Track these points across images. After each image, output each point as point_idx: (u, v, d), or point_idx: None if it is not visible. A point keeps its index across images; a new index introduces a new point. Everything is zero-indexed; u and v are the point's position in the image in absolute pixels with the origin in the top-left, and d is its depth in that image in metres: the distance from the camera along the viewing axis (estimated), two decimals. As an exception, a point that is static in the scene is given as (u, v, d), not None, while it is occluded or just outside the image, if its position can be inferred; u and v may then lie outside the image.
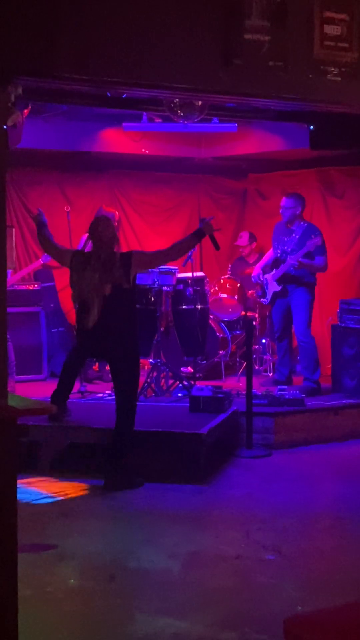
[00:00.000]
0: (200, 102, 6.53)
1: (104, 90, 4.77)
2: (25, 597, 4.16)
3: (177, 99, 6.44)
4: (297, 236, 8.32)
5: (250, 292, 9.40)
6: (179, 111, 6.59)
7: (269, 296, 8.64)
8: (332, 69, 3.80)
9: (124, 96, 6.75)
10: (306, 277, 8.33)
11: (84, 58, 3.49)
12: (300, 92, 3.87)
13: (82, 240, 8.59)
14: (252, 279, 9.02)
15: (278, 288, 8.48)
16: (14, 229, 9.10)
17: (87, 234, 8.32)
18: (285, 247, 8.37)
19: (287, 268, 8.32)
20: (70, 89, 4.02)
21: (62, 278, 8.83)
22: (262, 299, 8.83)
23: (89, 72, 3.51)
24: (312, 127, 6.84)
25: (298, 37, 3.83)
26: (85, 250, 6.26)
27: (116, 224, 8.99)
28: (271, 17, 3.68)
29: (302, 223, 8.39)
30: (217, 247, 6.61)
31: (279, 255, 8.49)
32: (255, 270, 8.97)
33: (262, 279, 8.75)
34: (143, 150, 9.32)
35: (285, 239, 8.42)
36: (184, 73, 3.63)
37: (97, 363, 8.80)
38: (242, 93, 3.81)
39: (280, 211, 8.52)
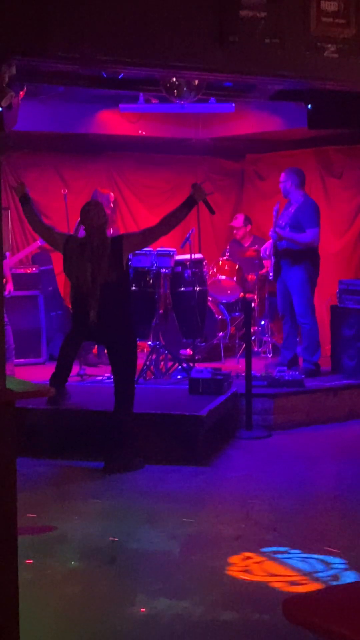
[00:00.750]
0: (196, 81, 6.47)
1: (98, 70, 4.73)
2: (26, 580, 4.17)
3: (173, 79, 6.38)
4: (292, 210, 8.27)
5: (249, 276, 9.37)
6: (175, 91, 6.53)
7: (271, 272, 8.62)
8: (329, 46, 3.76)
9: (120, 76, 6.70)
10: (300, 254, 8.22)
11: (77, 37, 3.45)
12: (297, 70, 3.83)
13: (77, 224, 8.57)
14: (262, 255, 8.96)
15: (273, 260, 8.45)
16: (9, 211, 9.05)
17: None
18: (280, 222, 8.34)
19: (273, 241, 8.33)
20: (64, 68, 3.96)
21: (60, 261, 8.74)
22: (270, 276, 8.82)
23: (82, 51, 3.47)
24: (309, 106, 6.78)
25: (294, 13, 3.78)
26: (79, 236, 6.20)
27: (112, 205, 8.96)
28: (267, -7, 3.64)
29: (299, 198, 8.32)
30: (212, 211, 6.42)
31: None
32: (262, 250, 8.91)
33: (267, 257, 8.70)
34: (140, 131, 9.26)
35: (284, 213, 8.39)
36: (178, 51, 3.59)
37: (96, 347, 8.78)
38: (237, 71, 3.77)
39: (280, 186, 8.50)
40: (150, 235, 6.22)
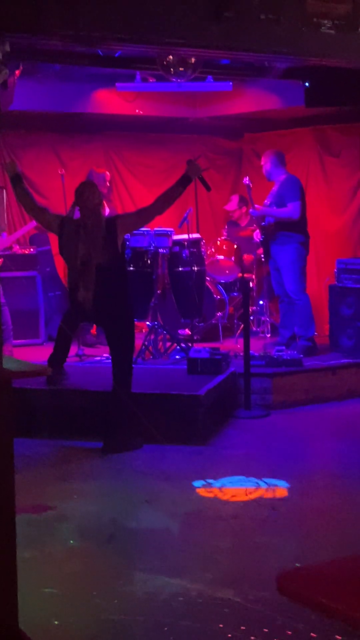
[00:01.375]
0: (193, 59, 6.42)
1: (93, 47, 4.68)
2: (25, 559, 4.19)
3: (169, 57, 6.34)
4: (276, 188, 8.30)
5: (246, 256, 9.35)
6: (171, 69, 6.49)
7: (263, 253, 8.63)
8: (326, 22, 3.73)
9: (116, 54, 6.65)
10: (288, 232, 8.22)
11: (72, 14, 3.42)
12: (292, 46, 3.80)
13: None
14: (255, 240, 8.98)
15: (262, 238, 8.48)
16: (5, 191, 9.00)
17: None
18: (267, 201, 8.35)
19: (254, 218, 8.35)
20: (59, 46, 3.93)
21: (57, 242, 8.77)
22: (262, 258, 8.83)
23: (77, 28, 3.44)
24: (307, 84, 6.75)
25: (290, -12, 3.76)
26: (74, 217, 6.16)
27: (108, 184, 8.92)
28: (263, -32, 3.60)
29: (280, 176, 8.35)
30: (207, 188, 6.37)
31: None
32: (256, 236, 8.91)
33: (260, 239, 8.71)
34: (137, 110, 9.21)
35: (270, 193, 8.41)
36: (174, 27, 3.56)
37: (94, 327, 8.77)
38: (233, 47, 3.74)
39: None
40: (145, 214, 6.18)
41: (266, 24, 3.67)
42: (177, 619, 3.57)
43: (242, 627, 3.49)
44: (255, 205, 8.30)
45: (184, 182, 6.03)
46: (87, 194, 6.07)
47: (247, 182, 8.59)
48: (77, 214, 6.23)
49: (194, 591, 3.82)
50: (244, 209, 9.94)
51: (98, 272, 5.96)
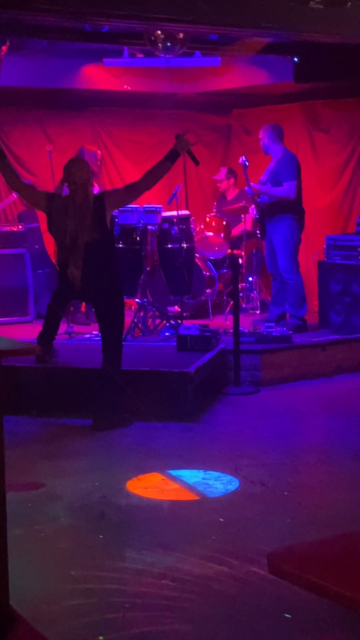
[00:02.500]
0: (181, 34, 6.37)
1: (80, 22, 4.63)
2: (15, 536, 4.19)
3: (157, 32, 6.28)
4: (272, 164, 8.25)
5: (233, 230, 9.31)
6: (159, 45, 6.44)
7: (259, 230, 8.61)
8: (315, -3, 3.71)
9: (104, 30, 6.59)
10: (283, 210, 8.20)
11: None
12: (281, 22, 3.77)
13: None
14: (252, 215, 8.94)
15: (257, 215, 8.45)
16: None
17: None
18: (263, 178, 8.32)
19: (250, 196, 8.33)
20: (46, 21, 3.88)
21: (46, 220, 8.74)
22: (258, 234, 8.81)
23: (65, 3, 3.40)
24: (296, 59, 6.71)
25: None
26: (63, 194, 6.12)
27: (99, 162, 8.86)
28: None
29: (277, 152, 8.30)
30: (196, 162, 6.32)
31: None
32: (251, 211, 8.90)
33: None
34: (125, 86, 9.15)
35: (267, 170, 8.37)
36: (161, 3, 3.52)
37: (83, 304, 8.76)
38: (221, 23, 3.71)
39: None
40: (134, 190, 6.13)
41: (255, 0, 3.65)
42: (168, 596, 3.59)
43: (233, 603, 3.51)
44: (251, 184, 8.24)
45: (172, 156, 5.99)
46: (75, 169, 6.03)
47: (243, 162, 8.49)
48: (65, 191, 6.19)
49: (185, 567, 3.84)
50: (231, 180, 9.91)
51: (87, 249, 5.93)
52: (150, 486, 4.95)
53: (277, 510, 4.59)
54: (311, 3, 3.70)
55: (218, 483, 4.99)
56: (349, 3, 3.79)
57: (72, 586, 3.70)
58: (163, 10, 3.58)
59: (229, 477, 5.07)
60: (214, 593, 3.61)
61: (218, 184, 10.04)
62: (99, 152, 9.00)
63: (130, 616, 3.41)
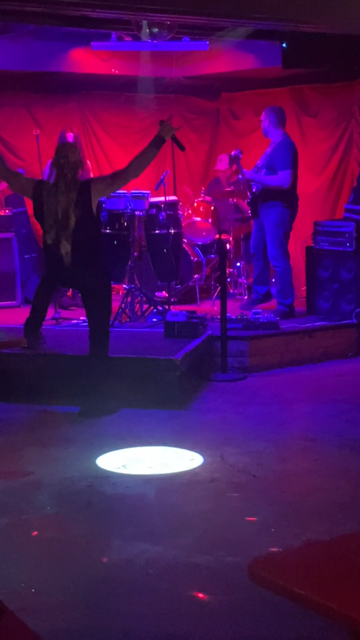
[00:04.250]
0: (168, 21, 6.33)
1: (66, 12, 4.60)
2: (2, 526, 4.23)
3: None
4: (270, 150, 8.20)
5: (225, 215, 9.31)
6: (147, 31, 6.40)
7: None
8: (302, -13, 3.68)
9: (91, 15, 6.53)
10: (276, 196, 8.18)
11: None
12: (269, 11, 3.74)
13: (47, 165, 8.46)
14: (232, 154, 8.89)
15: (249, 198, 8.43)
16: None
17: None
18: (259, 163, 8.27)
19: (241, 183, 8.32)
20: (31, 9, 3.85)
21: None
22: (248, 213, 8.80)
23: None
24: (284, 44, 6.67)
25: None
26: (51, 181, 6.09)
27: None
28: None
29: (277, 137, 8.19)
30: (181, 147, 6.29)
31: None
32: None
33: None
34: (113, 70, 9.10)
35: (264, 154, 8.31)
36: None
37: (70, 290, 8.74)
38: (208, 13, 3.68)
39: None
40: (120, 178, 6.11)
41: (242, -10, 3.63)
42: (154, 586, 3.61)
43: (218, 594, 3.53)
44: (245, 171, 8.19)
45: (157, 142, 5.97)
46: (66, 150, 6.06)
47: (236, 154, 8.43)
48: (53, 179, 6.16)
49: (170, 557, 3.86)
50: (234, 167, 9.89)
51: (74, 232, 5.91)
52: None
53: (262, 499, 4.61)
54: (299, -6, 3.69)
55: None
56: (336, -7, 3.79)
57: (59, 576, 3.71)
58: (150, 1, 3.55)
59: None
60: (201, 583, 3.63)
61: (222, 174, 9.99)
62: (77, 134, 8.94)
63: (116, 607, 3.43)
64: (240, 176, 8.35)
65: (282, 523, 4.26)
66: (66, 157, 5.97)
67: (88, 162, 8.99)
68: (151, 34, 6.44)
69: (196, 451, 5.42)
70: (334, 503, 4.53)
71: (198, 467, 5.09)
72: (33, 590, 3.58)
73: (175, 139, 6.14)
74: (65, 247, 5.94)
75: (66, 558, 3.89)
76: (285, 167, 8.04)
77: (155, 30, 6.34)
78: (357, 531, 3.88)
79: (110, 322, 6.92)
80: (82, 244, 5.96)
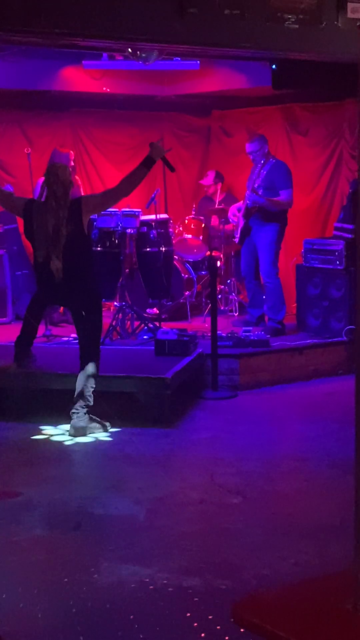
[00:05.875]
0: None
1: (56, 42, 4.65)
2: (-9, 549, 4.23)
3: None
4: (264, 172, 8.28)
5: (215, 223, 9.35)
6: (138, 52, 6.44)
7: (237, 234, 8.63)
8: (290, 16, 3.72)
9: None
10: (271, 215, 8.27)
11: (35, 10, 3.38)
12: (257, 41, 3.79)
13: (38, 184, 8.50)
14: (229, 219, 8.98)
15: (242, 223, 8.46)
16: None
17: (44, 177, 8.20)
18: (255, 185, 8.34)
19: (246, 200, 8.34)
20: (22, 41, 3.89)
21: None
22: (235, 239, 8.83)
23: (40, 24, 3.41)
24: (274, 66, 6.73)
25: (255, -17, 3.75)
26: (42, 200, 6.12)
27: (72, 163, 8.87)
28: None
29: (270, 160, 8.34)
30: (171, 169, 6.33)
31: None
32: (230, 211, 8.93)
33: (235, 219, 8.71)
34: (104, 88, 9.15)
35: (254, 178, 8.38)
36: (138, 23, 3.54)
37: (61, 307, 8.76)
38: (197, 42, 3.72)
39: (250, 157, 8.46)
40: (110, 196, 6.16)
41: (230, 19, 3.66)
42: (144, 609, 3.62)
43: (209, 617, 3.53)
44: (256, 198, 8.22)
45: (147, 163, 6.01)
46: (56, 169, 6.10)
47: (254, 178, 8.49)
48: (44, 197, 6.19)
49: (161, 580, 3.86)
50: (219, 185, 9.96)
51: (65, 249, 5.94)
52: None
53: (251, 520, 4.62)
54: (287, 23, 3.73)
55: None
56: (324, 23, 3.82)
57: (48, 600, 3.71)
58: (140, 31, 3.59)
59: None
60: (191, 606, 3.63)
61: (205, 189, 10.06)
62: (72, 152, 8.98)
63: (105, 631, 3.43)
64: (249, 191, 8.32)
65: (271, 545, 4.27)
66: (56, 176, 6.02)
67: (77, 178, 9.01)
68: (141, 58, 6.49)
69: (186, 471, 5.45)
70: (324, 525, 4.55)
71: (188, 487, 5.11)
72: (22, 611, 3.58)
73: (165, 161, 6.19)
74: (56, 264, 5.97)
75: (55, 581, 3.89)
76: (289, 187, 8.21)
77: (144, 55, 6.39)
78: (346, 554, 3.89)
79: (101, 340, 6.92)
80: (73, 261, 5.98)
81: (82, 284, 6.09)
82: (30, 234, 6.13)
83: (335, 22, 3.88)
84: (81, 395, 6.14)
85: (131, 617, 3.56)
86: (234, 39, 3.73)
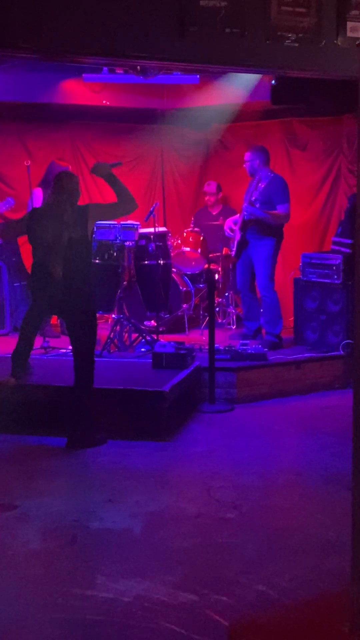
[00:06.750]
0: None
1: (56, 59, 4.68)
2: (-13, 562, 4.23)
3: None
4: (262, 185, 8.30)
5: (225, 249, 9.39)
6: (138, 67, 6.48)
7: (233, 248, 8.65)
8: (290, 35, 3.75)
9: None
10: (268, 230, 8.29)
11: (37, 27, 3.41)
12: (257, 59, 3.81)
13: (33, 194, 8.54)
14: (225, 234, 9.01)
15: (239, 237, 8.48)
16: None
17: (40, 187, 8.29)
18: (252, 198, 8.36)
19: (243, 213, 8.36)
20: (24, 57, 3.92)
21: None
22: (231, 252, 8.86)
23: (42, 41, 3.43)
24: (273, 81, 6.77)
25: (255, 2, 3.76)
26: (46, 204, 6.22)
27: None
28: (228, -18, 3.60)
29: (269, 174, 8.37)
30: (118, 164, 6.38)
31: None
32: (227, 224, 8.96)
33: (232, 234, 8.74)
34: (104, 101, 9.19)
35: (252, 191, 8.41)
36: (138, 42, 3.56)
37: (55, 318, 8.77)
38: (198, 60, 3.75)
39: (244, 165, 8.50)
40: (112, 209, 6.25)
41: (231, 38, 3.69)
42: (139, 624, 3.62)
43: (204, 633, 3.53)
44: (254, 210, 8.25)
45: (108, 180, 6.08)
46: (64, 174, 6.21)
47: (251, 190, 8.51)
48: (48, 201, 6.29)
49: (156, 595, 3.87)
50: (220, 195, 10.00)
51: (66, 259, 5.99)
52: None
53: (247, 535, 4.63)
54: (287, 42, 3.76)
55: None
56: (323, 41, 3.85)
57: (43, 614, 3.72)
58: (140, 49, 3.61)
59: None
60: (186, 622, 3.63)
61: (207, 197, 10.07)
62: (70, 166, 9.01)
63: (100, 646, 3.44)
64: (246, 203, 8.35)
65: (267, 560, 4.28)
66: (61, 183, 6.07)
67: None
68: (141, 72, 6.52)
69: (182, 485, 5.45)
70: (320, 539, 4.56)
71: (184, 501, 5.11)
72: (17, 626, 3.58)
73: (105, 176, 6.15)
74: (54, 263, 6.01)
75: (51, 595, 3.89)
76: (286, 201, 8.25)
77: (146, 69, 6.42)
78: (342, 570, 3.90)
79: (99, 352, 6.93)
80: (72, 263, 6.02)
81: (78, 294, 6.11)
82: (32, 238, 6.18)
83: (335, 41, 3.90)
84: (76, 407, 6.15)
85: (126, 632, 3.56)
86: (234, 57, 3.75)
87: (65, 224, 5.98)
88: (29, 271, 9.45)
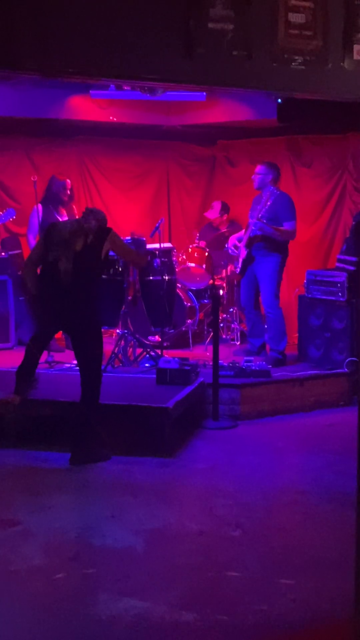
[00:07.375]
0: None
1: (65, 80, 4.72)
2: (-11, 579, 4.23)
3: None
4: (269, 203, 8.32)
5: (230, 267, 9.40)
6: (145, 86, 6.52)
7: (239, 265, 8.66)
8: (297, 58, 3.78)
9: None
10: (274, 246, 8.31)
11: (45, 49, 3.44)
12: (264, 82, 3.84)
13: (33, 211, 8.59)
14: (229, 251, 9.03)
15: (244, 253, 8.50)
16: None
17: (41, 204, 8.38)
18: (258, 214, 8.38)
19: (250, 230, 8.37)
20: (33, 77, 3.97)
21: (29, 246, 8.82)
22: (236, 269, 8.87)
23: (50, 63, 3.46)
24: (279, 100, 6.81)
25: (262, 25, 3.79)
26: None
27: (68, 192, 8.94)
28: (235, 5, 3.64)
29: (275, 191, 8.37)
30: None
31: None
32: (230, 241, 8.98)
33: (237, 251, 8.76)
34: (111, 117, 9.24)
35: (258, 207, 8.42)
36: (146, 63, 3.59)
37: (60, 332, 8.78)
38: (205, 82, 3.78)
39: (252, 177, 8.50)
40: (126, 254, 6.85)
41: (238, 60, 3.72)
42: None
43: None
44: (261, 225, 8.26)
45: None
46: (88, 213, 6.37)
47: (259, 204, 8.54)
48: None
49: (157, 614, 3.87)
50: (225, 217, 10.01)
51: (76, 273, 6.06)
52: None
53: (250, 553, 4.62)
54: (293, 64, 3.78)
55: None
56: (330, 64, 3.88)
57: (44, 632, 3.72)
58: (148, 71, 3.64)
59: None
60: (186, 641, 3.64)
61: (212, 222, 10.09)
62: (69, 181, 9.05)
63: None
64: (254, 219, 8.36)
65: (269, 580, 4.27)
66: (87, 220, 6.27)
67: (74, 207, 9.10)
68: (148, 91, 6.56)
69: (185, 502, 5.45)
70: (322, 559, 4.55)
71: (186, 518, 5.11)
72: (18, 636, 3.58)
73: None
74: (65, 264, 6.08)
75: (52, 613, 3.89)
76: (293, 218, 8.27)
77: (152, 88, 6.46)
78: (344, 591, 3.90)
79: (103, 367, 6.91)
80: (82, 271, 6.11)
81: (85, 310, 6.16)
82: (50, 241, 6.26)
83: (342, 63, 3.94)
84: (81, 423, 6.16)
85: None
86: (240, 79, 3.78)
87: (84, 230, 6.16)
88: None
